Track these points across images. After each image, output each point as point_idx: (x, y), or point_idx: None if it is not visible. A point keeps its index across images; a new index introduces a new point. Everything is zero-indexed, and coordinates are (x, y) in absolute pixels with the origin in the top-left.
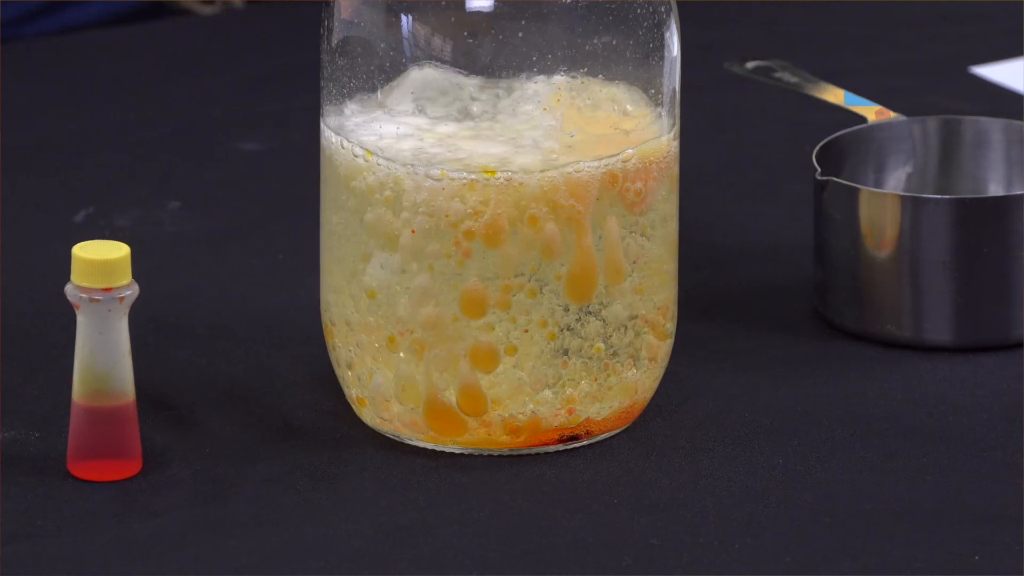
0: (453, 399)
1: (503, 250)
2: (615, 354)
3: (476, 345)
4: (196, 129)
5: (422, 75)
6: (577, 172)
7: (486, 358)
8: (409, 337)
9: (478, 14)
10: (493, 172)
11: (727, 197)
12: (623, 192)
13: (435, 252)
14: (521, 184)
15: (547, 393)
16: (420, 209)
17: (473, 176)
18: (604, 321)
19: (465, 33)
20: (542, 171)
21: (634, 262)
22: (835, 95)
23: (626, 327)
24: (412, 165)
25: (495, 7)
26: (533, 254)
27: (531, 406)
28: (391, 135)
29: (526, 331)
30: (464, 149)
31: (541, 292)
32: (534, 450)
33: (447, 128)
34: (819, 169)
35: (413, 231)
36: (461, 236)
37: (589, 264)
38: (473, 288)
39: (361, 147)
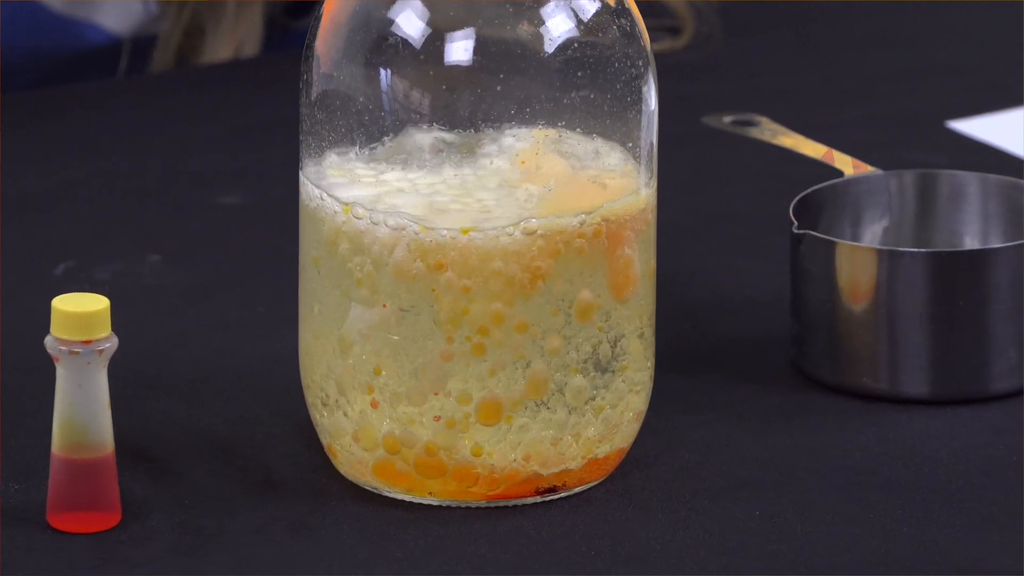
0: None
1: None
2: (594, 406)
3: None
4: (176, 182)
5: (401, 131)
6: (554, 227)
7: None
8: (386, 391)
9: (457, 68)
10: (469, 230)
11: (704, 250)
12: (600, 246)
13: (411, 308)
14: (497, 239)
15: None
16: (396, 264)
17: (450, 232)
18: (584, 375)
19: (444, 87)
20: (518, 226)
21: (609, 315)
22: (812, 149)
23: (604, 379)
24: (390, 220)
25: (474, 61)
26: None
27: (513, 457)
28: (370, 190)
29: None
30: (441, 204)
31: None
32: (511, 502)
33: (424, 182)
34: (796, 223)
35: (384, 305)
36: (439, 296)
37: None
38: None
39: (339, 201)
